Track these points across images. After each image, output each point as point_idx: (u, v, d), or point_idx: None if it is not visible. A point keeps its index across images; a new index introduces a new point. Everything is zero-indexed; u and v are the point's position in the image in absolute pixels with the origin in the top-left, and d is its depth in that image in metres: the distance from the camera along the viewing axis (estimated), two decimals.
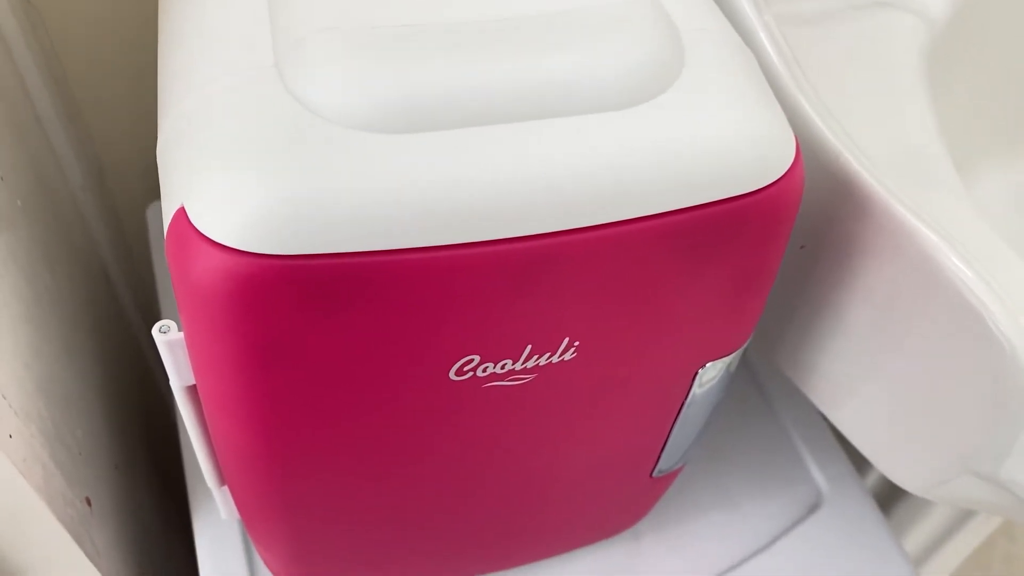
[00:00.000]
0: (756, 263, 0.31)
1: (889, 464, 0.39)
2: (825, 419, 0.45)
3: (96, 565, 0.41)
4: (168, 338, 0.30)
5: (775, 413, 0.55)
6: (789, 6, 0.40)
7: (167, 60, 0.30)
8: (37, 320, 0.43)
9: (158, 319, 0.55)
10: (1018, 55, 0.49)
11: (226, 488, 0.38)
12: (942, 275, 0.32)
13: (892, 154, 0.36)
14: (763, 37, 0.37)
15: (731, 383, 0.39)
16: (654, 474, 0.43)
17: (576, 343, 0.30)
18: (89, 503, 0.43)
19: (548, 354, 0.30)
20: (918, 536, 0.79)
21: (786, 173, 0.28)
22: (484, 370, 0.30)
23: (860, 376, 0.38)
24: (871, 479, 0.70)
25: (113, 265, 0.62)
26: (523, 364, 0.30)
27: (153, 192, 0.61)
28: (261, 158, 0.25)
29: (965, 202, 0.37)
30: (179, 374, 0.31)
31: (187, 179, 0.26)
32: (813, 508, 0.51)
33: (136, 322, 0.67)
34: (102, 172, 0.61)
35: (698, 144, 0.27)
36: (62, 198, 0.54)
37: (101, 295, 0.59)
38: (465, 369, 0.30)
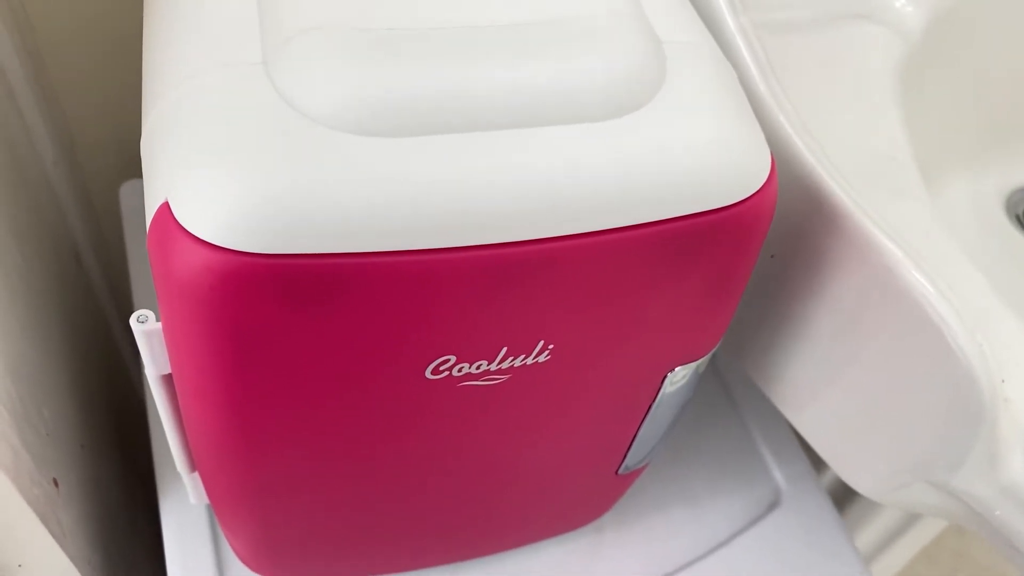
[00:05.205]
0: (728, 273, 0.32)
1: (846, 468, 0.40)
2: (787, 421, 0.46)
3: (62, 546, 0.41)
4: (146, 328, 0.30)
5: (739, 414, 0.56)
6: (767, 15, 0.40)
7: (154, 50, 0.30)
8: (5, 298, 0.43)
9: (129, 298, 0.55)
10: (989, 69, 0.50)
11: (196, 474, 0.39)
12: (904, 289, 0.33)
13: (862, 166, 0.36)
14: (742, 46, 0.37)
15: (698, 383, 0.40)
16: (620, 471, 0.44)
17: (551, 346, 0.31)
18: (56, 484, 0.43)
19: (523, 356, 0.31)
20: (870, 533, 0.81)
21: (761, 188, 0.29)
22: (459, 370, 0.30)
23: (822, 382, 0.39)
24: (828, 478, 0.72)
25: (84, 243, 0.62)
26: (498, 365, 0.31)
27: (126, 169, 0.61)
28: (247, 156, 0.25)
29: (931, 215, 0.38)
30: (155, 363, 0.32)
31: (172, 174, 0.26)
32: (772, 506, 0.53)
33: (106, 301, 0.67)
34: (75, 148, 0.60)
35: (675, 158, 0.28)
36: (33, 174, 0.53)
37: (71, 273, 0.59)
38: (441, 369, 0.30)
